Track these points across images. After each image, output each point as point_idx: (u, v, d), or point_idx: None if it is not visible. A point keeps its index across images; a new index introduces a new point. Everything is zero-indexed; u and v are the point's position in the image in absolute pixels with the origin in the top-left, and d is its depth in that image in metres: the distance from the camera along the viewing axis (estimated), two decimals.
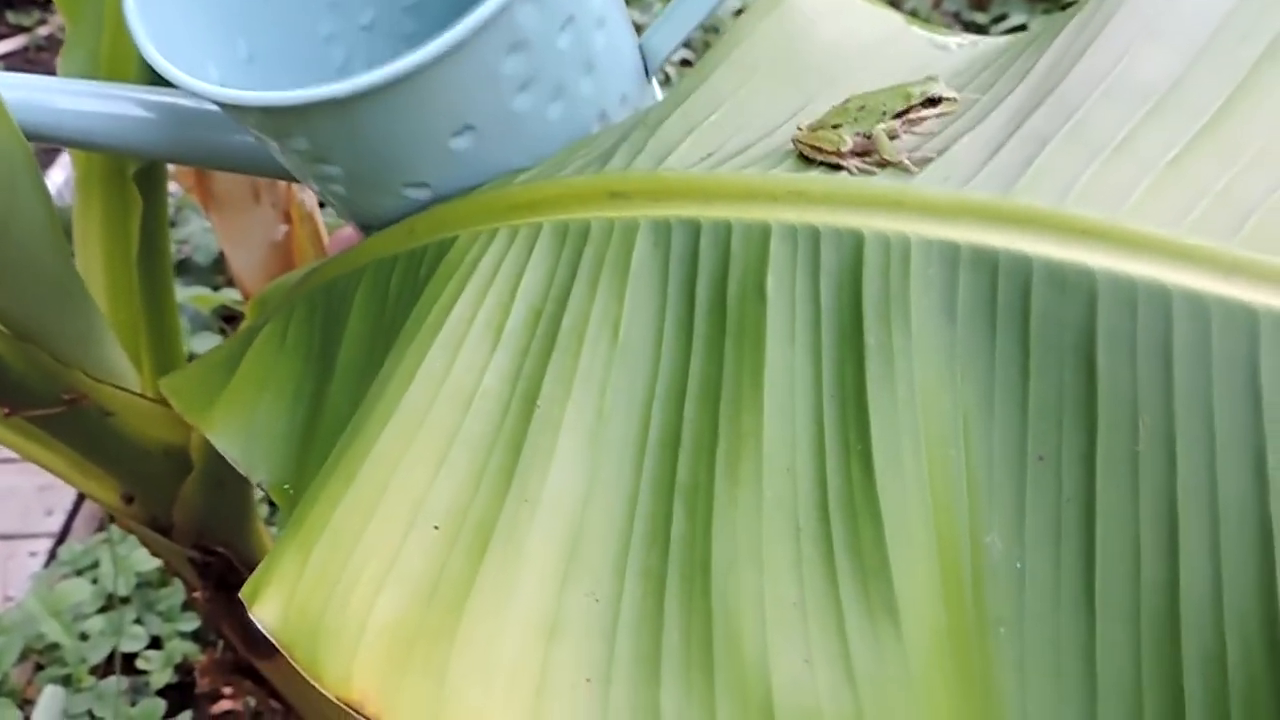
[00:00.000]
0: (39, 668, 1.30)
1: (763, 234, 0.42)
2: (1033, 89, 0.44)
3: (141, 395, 0.65)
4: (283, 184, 0.90)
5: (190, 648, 1.30)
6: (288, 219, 0.94)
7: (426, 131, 0.47)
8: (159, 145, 0.57)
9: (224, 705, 1.21)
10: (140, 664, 1.27)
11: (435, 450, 0.40)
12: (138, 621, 1.32)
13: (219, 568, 0.75)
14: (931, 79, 0.45)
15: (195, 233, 1.80)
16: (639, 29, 0.55)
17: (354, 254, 0.54)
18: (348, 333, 0.51)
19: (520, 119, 0.49)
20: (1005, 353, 0.39)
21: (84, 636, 1.30)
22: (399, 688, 0.35)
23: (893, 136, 0.44)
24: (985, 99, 0.45)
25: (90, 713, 1.23)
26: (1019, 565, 0.37)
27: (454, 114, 0.47)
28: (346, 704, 0.35)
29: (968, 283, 0.40)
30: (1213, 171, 0.40)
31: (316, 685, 0.35)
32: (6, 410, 0.60)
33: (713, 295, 0.42)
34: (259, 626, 0.37)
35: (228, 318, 1.71)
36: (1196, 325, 0.37)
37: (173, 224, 1.77)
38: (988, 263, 0.40)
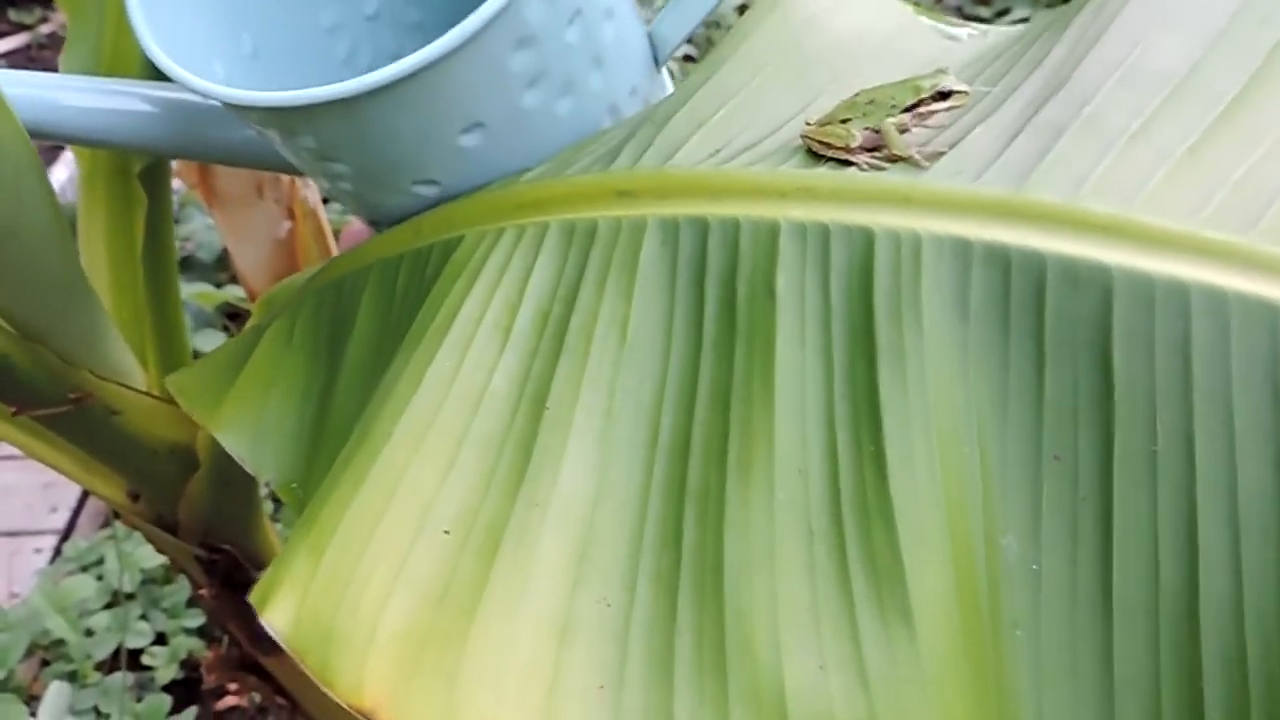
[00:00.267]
0: (45, 664, 1.30)
1: (771, 232, 0.42)
2: (1045, 79, 0.44)
3: (147, 394, 0.65)
4: (286, 180, 0.90)
5: (195, 644, 1.30)
6: (291, 215, 0.94)
7: (434, 130, 0.47)
8: (164, 141, 0.56)
9: (229, 701, 1.21)
10: (146, 660, 1.28)
11: (444, 452, 0.40)
12: (143, 618, 1.32)
13: (225, 565, 0.75)
14: (941, 72, 0.44)
15: (198, 230, 1.79)
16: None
17: (360, 252, 0.53)
18: (355, 331, 0.50)
19: (529, 115, 0.48)
20: (1019, 351, 0.38)
21: (89, 633, 1.30)
22: (410, 693, 0.35)
23: (902, 131, 0.43)
24: (997, 90, 0.45)
25: (96, 709, 1.23)
26: (1035, 566, 0.36)
27: (462, 112, 0.46)
28: (359, 711, 0.35)
29: (980, 280, 0.39)
30: (1230, 161, 0.39)
31: (329, 692, 0.35)
32: (13, 409, 0.60)
33: (722, 294, 0.42)
34: (271, 633, 0.37)
35: (231, 315, 1.71)
36: (1215, 321, 0.36)
37: (176, 221, 1.77)
38: (1000, 259, 0.39)
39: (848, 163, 0.43)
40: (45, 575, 1.37)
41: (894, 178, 0.42)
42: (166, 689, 1.26)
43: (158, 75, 0.48)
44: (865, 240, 0.41)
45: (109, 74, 0.65)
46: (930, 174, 0.42)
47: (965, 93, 0.44)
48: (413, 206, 0.51)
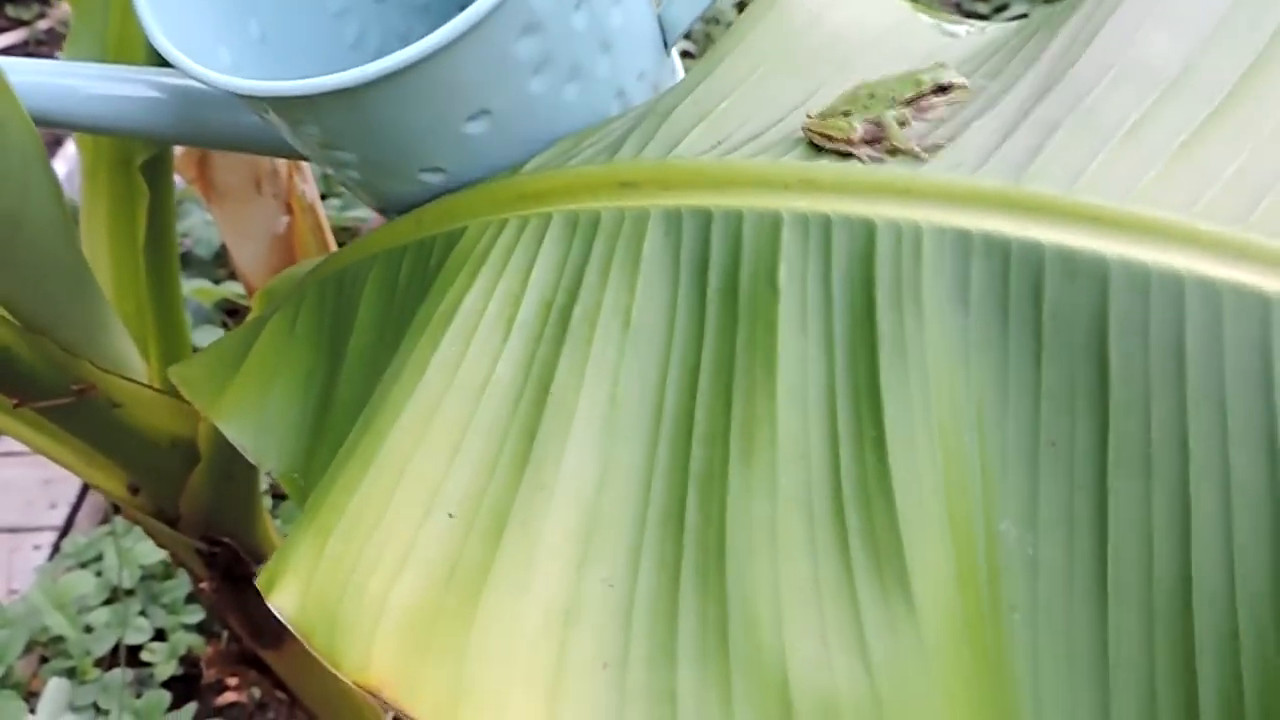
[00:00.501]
0: (44, 660, 1.30)
1: (774, 223, 0.42)
2: (1042, 74, 0.44)
3: (149, 386, 0.65)
4: (284, 175, 0.90)
5: (195, 640, 1.30)
6: (289, 210, 0.94)
7: (439, 117, 0.47)
8: (170, 127, 0.56)
9: (229, 697, 1.21)
10: (145, 656, 1.28)
11: (450, 438, 0.41)
12: (142, 614, 1.32)
13: (225, 558, 0.75)
14: (941, 65, 0.45)
15: (196, 225, 1.79)
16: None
17: (362, 244, 0.54)
18: (358, 321, 0.51)
19: (536, 101, 0.48)
20: (1018, 340, 0.39)
21: (89, 629, 1.30)
22: (417, 672, 0.35)
23: (903, 124, 0.44)
24: (995, 85, 0.45)
25: (95, 705, 1.23)
26: (1031, 551, 0.37)
27: (467, 99, 0.46)
28: (365, 689, 0.35)
29: (980, 270, 0.40)
30: (1224, 155, 0.40)
31: (335, 672, 0.35)
32: (15, 401, 0.60)
33: (724, 285, 0.42)
34: (276, 614, 0.37)
35: (230, 311, 1.71)
36: (1209, 310, 0.37)
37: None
38: (999, 250, 0.40)
39: (849, 155, 0.44)
40: (44, 571, 1.37)
41: (895, 170, 0.43)
42: (166, 685, 1.26)
43: (164, 63, 0.48)
44: (867, 231, 0.41)
45: (115, 62, 0.65)
46: (930, 166, 0.42)
47: (964, 86, 0.44)
48: (420, 194, 0.51)
